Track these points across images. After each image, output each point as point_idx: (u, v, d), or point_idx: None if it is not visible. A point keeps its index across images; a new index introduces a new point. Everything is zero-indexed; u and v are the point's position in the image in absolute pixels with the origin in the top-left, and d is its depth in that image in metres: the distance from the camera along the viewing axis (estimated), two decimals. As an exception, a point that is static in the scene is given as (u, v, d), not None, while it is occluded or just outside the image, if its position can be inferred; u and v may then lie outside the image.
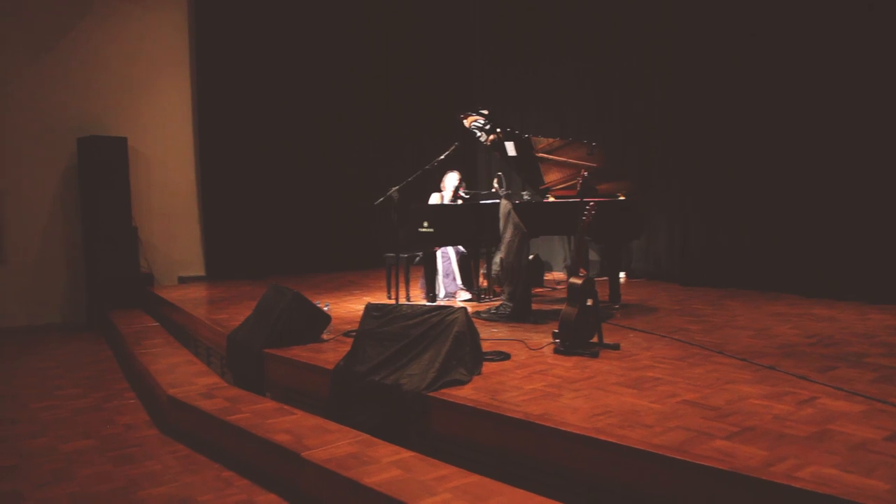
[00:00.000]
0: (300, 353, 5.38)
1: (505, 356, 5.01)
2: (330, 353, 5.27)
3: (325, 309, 6.03)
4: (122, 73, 10.87)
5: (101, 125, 10.58)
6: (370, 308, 5.10)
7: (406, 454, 3.95)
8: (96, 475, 4.63)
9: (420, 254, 7.67)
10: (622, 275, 8.89)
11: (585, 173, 5.96)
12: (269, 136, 11.54)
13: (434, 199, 8.11)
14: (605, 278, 7.55)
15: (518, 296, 6.51)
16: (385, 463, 3.82)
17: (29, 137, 10.28)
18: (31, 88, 10.29)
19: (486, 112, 7.14)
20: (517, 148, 7.16)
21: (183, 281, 11.18)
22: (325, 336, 5.88)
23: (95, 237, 10.20)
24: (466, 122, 7.27)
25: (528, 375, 4.52)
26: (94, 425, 5.71)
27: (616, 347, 5.17)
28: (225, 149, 11.32)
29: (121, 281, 10.28)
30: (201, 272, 11.40)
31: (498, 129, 7.12)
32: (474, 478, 3.57)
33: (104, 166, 10.24)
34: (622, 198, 7.19)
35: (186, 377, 6.06)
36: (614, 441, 3.23)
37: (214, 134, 11.32)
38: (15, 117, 10.21)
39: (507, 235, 6.39)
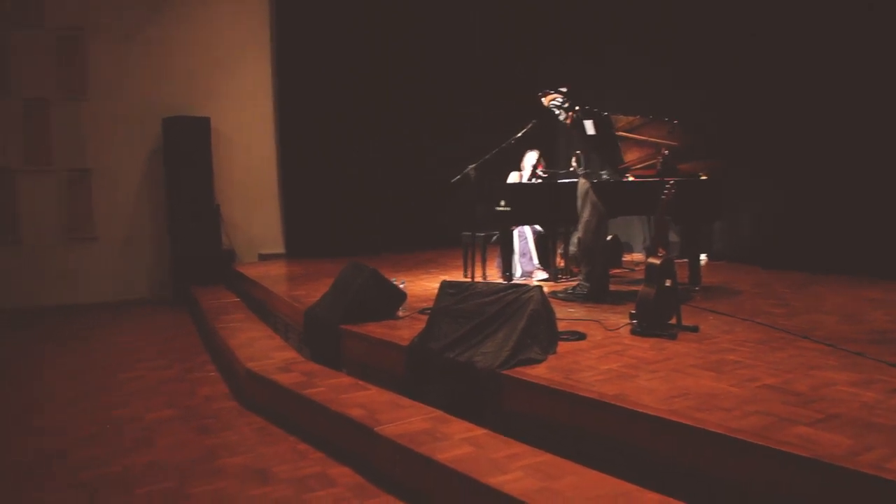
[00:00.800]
0: (375, 330, 5.42)
1: (580, 336, 4.94)
2: (405, 330, 5.29)
3: (401, 286, 6.05)
4: (205, 56, 11.11)
5: (185, 106, 10.83)
6: (445, 285, 5.09)
7: (478, 431, 3.95)
8: (177, 444, 4.76)
9: (497, 233, 7.62)
10: (703, 256, 8.67)
11: (666, 152, 5.82)
12: (348, 116, 11.61)
13: (513, 177, 8.04)
14: (685, 260, 7.37)
15: (595, 276, 6.41)
16: (457, 440, 3.82)
17: (117, 118, 10.64)
18: (119, 71, 10.65)
19: (564, 90, 7.03)
20: (596, 126, 7.03)
21: (263, 258, 11.39)
22: (400, 313, 5.90)
23: (180, 215, 10.47)
24: (545, 101, 7.17)
25: (603, 356, 4.45)
26: (176, 396, 5.88)
27: (695, 330, 5.04)
28: (304, 128, 11.45)
29: (203, 257, 10.54)
30: (281, 250, 11.60)
31: (577, 107, 7.00)
32: (546, 457, 3.54)
33: (188, 146, 10.50)
34: (704, 178, 6.99)
35: (264, 351, 6.18)
36: (691, 424, 3.14)
37: (294, 114, 11.47)
38: (104, 99, 10.58)
39: (585, 215, 6.29)
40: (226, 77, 11.26)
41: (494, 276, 7.80)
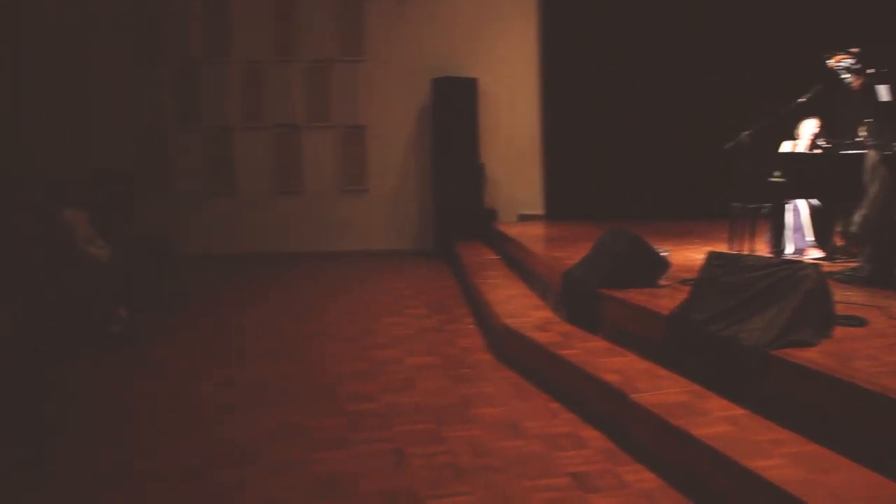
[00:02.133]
0: (635, 296, 5.33)
1: (860, 322, 4.55)
2: (666, 300, 5.15)
3: (664, 255, 5.92)
4: (473, 17, 11.41)
5: (453, 67, 11.20)
6: (712, 257, 4.89)
7: (739, 411, 3.79)
8: (436, 389, 5.02)
9: (768, 205, 7.19)
10: None
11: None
12: (613, 79, 11.40)
13: (786, 146, 7.53)
14: None
15: (880, 258, 5.86)
16: (716, 417, 3.70)
17: (391, 78, 11.29)
18: (393, 34, 11.29)
19: (856, 50, 6.43)
20: (892, 92, 6.38)
21: (522, 218, 11.57)
22: (661, 282, 5.78)
23: (445, 172, 10.92)
24: (831, 63, 6.60)
25: (887, 346, 4.06)
26: (436, 345, 6.19)
27: None
28: (569, 91, 11.43)
29: (466, 214, 10.92)
30: (540, 211, 11.72)
31: (870, 71, 6.39)
32: (813, 447, 3.33)
33: (455, 106, 10.92)
34: None
35: (522, 309, 6.30)
36: None
37: (558, 76, 11.48)
38: (381, 60, 11.29)
39: (873, 190, 5.76)
40: (493, 39, 11.49)
41: (762, 251, 7.39)
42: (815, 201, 7.42)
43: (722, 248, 7.73)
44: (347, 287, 8.80)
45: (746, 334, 4.11)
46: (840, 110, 10.57)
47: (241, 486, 3.64)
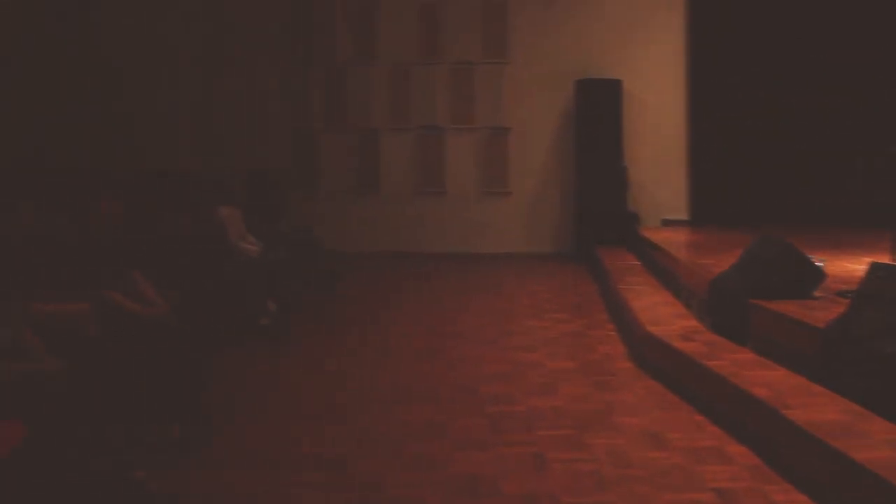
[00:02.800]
0: (788, 308, 5.09)
1: None
2: (821, 312, 4.90)
3: (819, 265, 5.63)
4: (617, 18, 11.24)
5: (597, 68, 11.06)
6: (875, 268, 4.61)
7: (905, 435, 3.55)
8: (577, 395, 4.99)
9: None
10: None
11: None
12: (766, 81, 10.97)
13: (958, 148, 7.03)
14: None
15: None
16: (878, 440, 3.48)
17: (533, 80, 11.29)
18: (537, 36, 11.29)
19: None
20: None
21: (666, 223, 11.27)
22: (816, 293, 5.50)
23: (587, 175, 10.81)
24: None
25: None
26: (577, 349, 6.16)
27: None
28: (717, 92, 11.10)
29: (608, 218, 10.73)
30: (685, 216, 11.39)
31: None
32: None
33: (599, 107, 10.79)
34: None
35: (666, 317, 6.16)
36: None
37: (706, 77, 11.15)
38: (524, 62, 11.31)
39: None
40: (638, 40, 11.27)
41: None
42: None
43: (885, 258, 7.29)
44: (486, 288, 8.85)
45: (914, 352, 3.86)
46: None
47: (382, 479, 3.71)
